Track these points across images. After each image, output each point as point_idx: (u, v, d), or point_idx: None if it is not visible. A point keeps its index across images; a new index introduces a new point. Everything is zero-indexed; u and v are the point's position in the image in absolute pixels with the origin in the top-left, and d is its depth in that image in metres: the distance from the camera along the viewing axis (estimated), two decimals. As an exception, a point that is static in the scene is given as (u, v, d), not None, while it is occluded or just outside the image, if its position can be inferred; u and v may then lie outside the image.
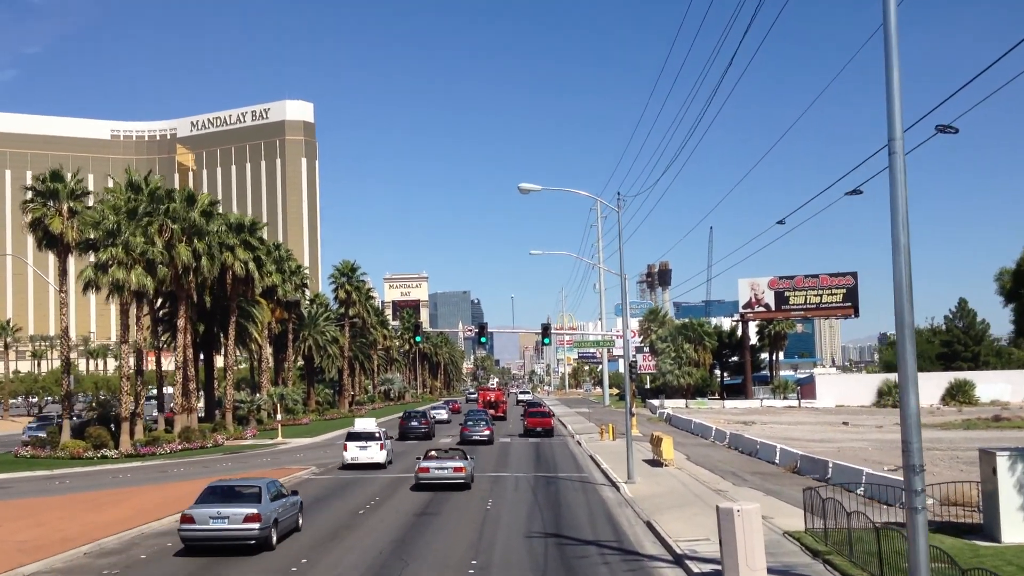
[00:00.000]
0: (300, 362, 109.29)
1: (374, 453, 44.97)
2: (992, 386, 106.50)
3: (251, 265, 69.77)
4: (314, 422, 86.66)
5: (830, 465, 36.68)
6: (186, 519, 23.57)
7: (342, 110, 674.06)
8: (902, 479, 31.22)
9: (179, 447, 55.28)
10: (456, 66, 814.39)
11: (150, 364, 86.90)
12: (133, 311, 56.68)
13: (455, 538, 25.06)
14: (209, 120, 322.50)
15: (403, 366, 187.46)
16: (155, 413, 73.18)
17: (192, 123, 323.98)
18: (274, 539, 24.26)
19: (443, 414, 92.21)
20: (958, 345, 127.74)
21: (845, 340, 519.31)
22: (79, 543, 24.10)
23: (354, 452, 45.10)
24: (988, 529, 22.29)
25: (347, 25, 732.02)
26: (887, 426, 69.94)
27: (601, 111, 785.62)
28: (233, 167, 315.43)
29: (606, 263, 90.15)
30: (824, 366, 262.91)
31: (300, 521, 27.11)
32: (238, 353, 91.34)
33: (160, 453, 52.94)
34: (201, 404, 75.24)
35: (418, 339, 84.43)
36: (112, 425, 55.54)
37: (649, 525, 26.57)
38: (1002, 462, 21.49)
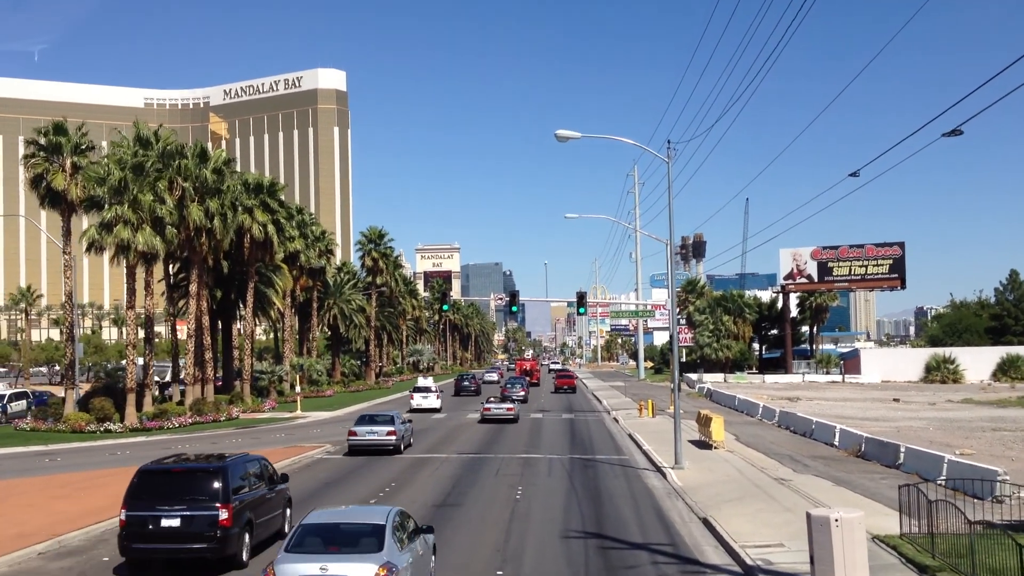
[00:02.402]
0: (327, 332, 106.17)
1: (432, 401, 63.48)
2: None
3: (270, 228, 66.18)
4: (338, 394, 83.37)
5: (902, 450, 32.45)
6: (351, 433, 38.76)
7: (375, 79, 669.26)
8: (987, 467, 27.16)
9: (189, 420, 51.81)
10: (490, 34, 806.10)
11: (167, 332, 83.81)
12: (141, 275, 53.12)
13: (477, 540, 21.19)
14: (242, 88, 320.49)
15: (433, 337, 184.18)
16: (163, 384, 70.17)
17: (225, 91, 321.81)
18: (403, 447, 39.44)
19: (494, 376, 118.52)
20: (1008, 319, 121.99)
21: (880, 314, 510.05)
22: (37, 539, 20.49)
23: (419, 400, 63.53)
24: None
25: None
26: (939, 403, 66.09)
27: (640, 82, 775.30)
28: (266, 136, 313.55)
29: (643, 230, 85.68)
30: (860, 340, 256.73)
31: (412, 440, 41.98)
32: (263, 322, 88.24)
33: (168, 427, 49.42)
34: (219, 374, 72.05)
35: (445, 307, 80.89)
36: (120, 397, 52.24)
37: (707, 523, 22.58)
38: None
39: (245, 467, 19.89)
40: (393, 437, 37.95)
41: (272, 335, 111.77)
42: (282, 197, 73.22)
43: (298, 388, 66.52)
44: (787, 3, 29.71)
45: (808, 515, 15.21)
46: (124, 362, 65.93)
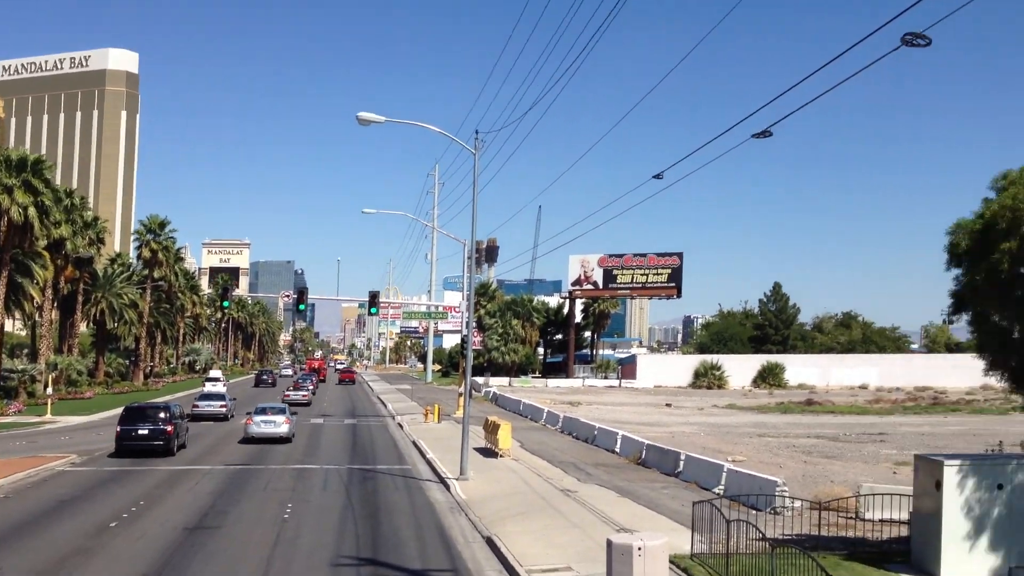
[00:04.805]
0: (94, 328, 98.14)
1: (220, 388, 73.55)
2: (801, 369, 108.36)
3: (31, 211, 60.22)
4: (100, 396, 76.76)
5: (682, 458, 32.44)
6: (195, 406, 54.24)
7: (171, 64, 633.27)
8: (766, 476, 27.27)
9: (-87, 425, 45.65)
10: (297, 21, 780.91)
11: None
12: None
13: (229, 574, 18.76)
14: (23, 65, 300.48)
15: (214, 336, 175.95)
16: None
17: (3, 67, 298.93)
18: (231, 415, 55.31)
19: (288, 372, 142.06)
20: (769, 328, 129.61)
21: (652, 321, 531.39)
22: None
23: (209, 388, 74.18)
24: (919, 558, 17.48)
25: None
26: (707, 408, 69.38)
27: (446, 73, 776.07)
28: (45, 116, 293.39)
29: (442, 229, 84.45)
30: (635, 346, 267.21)
31: (235, 412, 56.45)
32: (18, 315, 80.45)
33: None
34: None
35: (226, 304, 76.13)
36: None
37: (490, 543, 21.04)
38: (951, 474, 16.49)
39: (174, 408, 38.81)
40: (224, 409, 54.88)
41: (30, 330, 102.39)
42: (49, 177, 66.66)
43: (51, 390, 60.33)
44: (594, 9, 29.09)
45: (609, 543, 13.94)
46: None
